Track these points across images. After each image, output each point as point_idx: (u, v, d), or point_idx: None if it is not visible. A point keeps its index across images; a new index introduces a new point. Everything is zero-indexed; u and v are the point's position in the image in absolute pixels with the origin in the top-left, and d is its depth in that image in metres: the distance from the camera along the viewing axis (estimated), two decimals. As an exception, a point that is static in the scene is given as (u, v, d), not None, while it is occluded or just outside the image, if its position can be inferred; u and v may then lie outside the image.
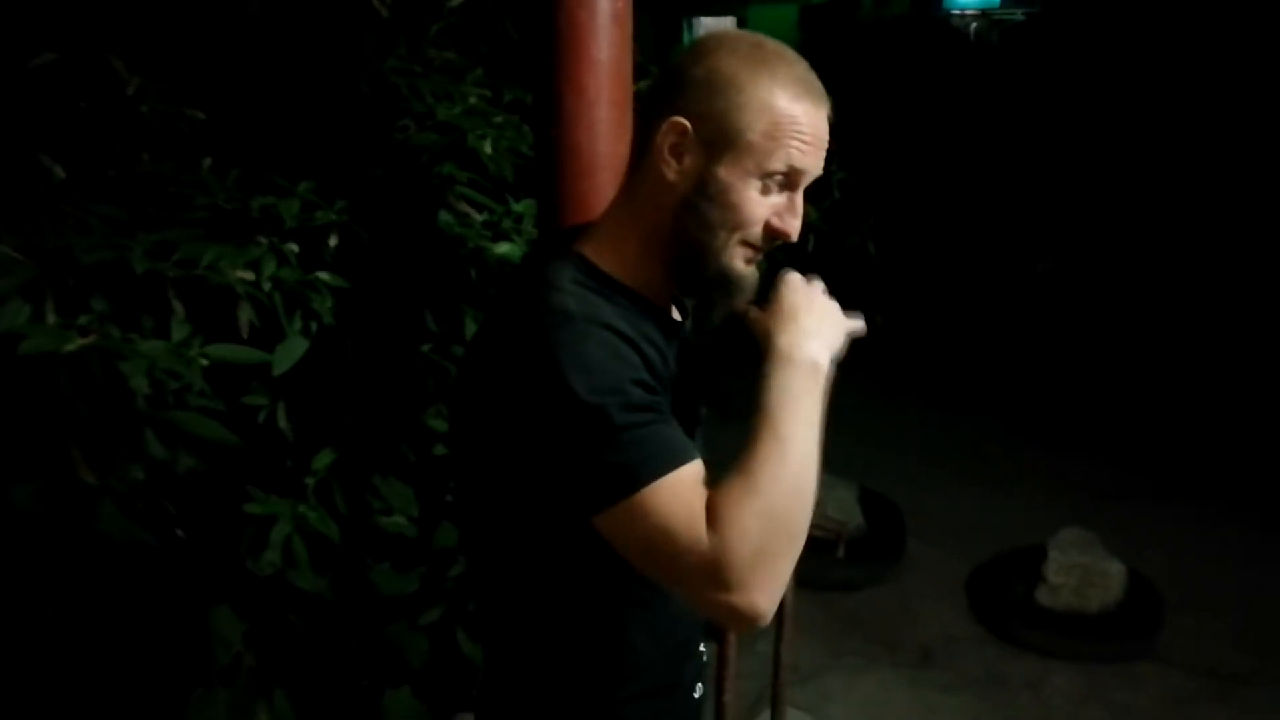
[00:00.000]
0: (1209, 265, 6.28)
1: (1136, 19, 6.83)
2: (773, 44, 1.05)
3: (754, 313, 1.10)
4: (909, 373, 5.89)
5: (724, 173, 1.02)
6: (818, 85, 1.05)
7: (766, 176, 1.03)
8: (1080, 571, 3.40)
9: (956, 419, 5.29)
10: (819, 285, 1.14)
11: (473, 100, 1.96)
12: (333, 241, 1.71)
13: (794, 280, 1.12)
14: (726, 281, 1.07)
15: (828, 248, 2.76)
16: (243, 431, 1.64)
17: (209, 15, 1.90)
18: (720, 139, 1.01)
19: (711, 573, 0.91)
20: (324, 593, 1.80)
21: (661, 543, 0.93)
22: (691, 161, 1.03)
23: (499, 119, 1.96)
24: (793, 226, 1.06)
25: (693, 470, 0.96)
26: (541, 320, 0.97)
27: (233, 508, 1.66)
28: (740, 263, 1.07)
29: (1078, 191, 6.96)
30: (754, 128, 1.01)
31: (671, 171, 1.03)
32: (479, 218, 1.87)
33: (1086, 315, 6.35)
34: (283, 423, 1.72)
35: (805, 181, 1.06)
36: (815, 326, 1.07)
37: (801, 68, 1.05)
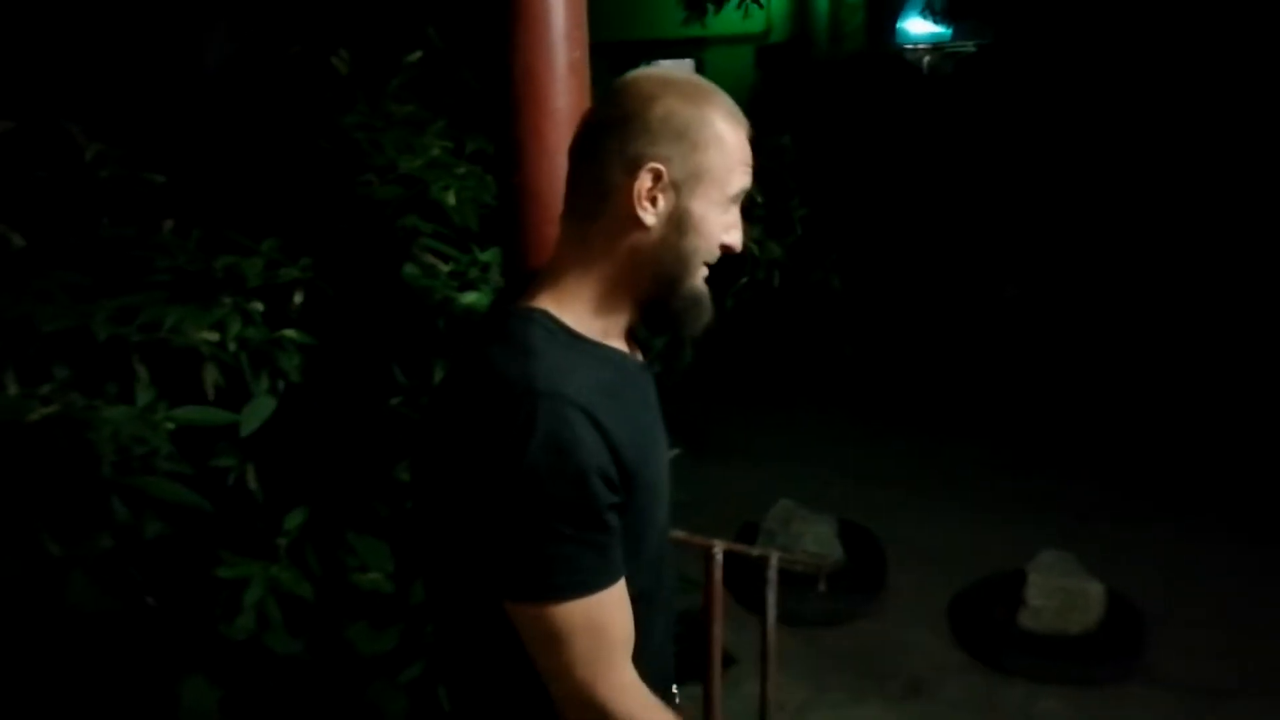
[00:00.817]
0: (1175, 283, 6.39)
1: (1087, 45, 7.01)
2: (701, 80, 1.12)
3: None
4: (881, 403, 5.93)
5: (697, 207, 1.08)
6: (740, 111, 1.13)
7: (728, 199, 1.11)
8: (1061, 594, 3.41)
9: (931, 446, 5.32)
10: None
11: (435, 152, 1.97)
12: (298, 298, 1.70)
13: None
14: (698, 303, 1.14)
15: (792, 283, 2.79)
16: (212, 494, 1.62)
17: (165, 78, 1.90)
18: (690, 177, 1.06)
19: (597, 689, 1.03)
20: (300, 654, 1.77)
21: (557, 652, 1.02)
22: (665, 202, 1.07)
23: (461, 170, 1.97)
24: (739, 240, 1.14)
25: (615, 591, 1.03)
26: (506, 398, 1.00)
27: (204, 572, 1.64)
28: (701, 281, 1.13)
29: (1040, 216, 7.08)
30: (715, 161, 1.08)
31: (649, 215, 1.07)
32: (445, 268, 1.87)
33: (1055, 338, 6.43)
34: (252, 483, 1.69)
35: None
36: None
37: (728, 98, 1.12)
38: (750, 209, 2.67)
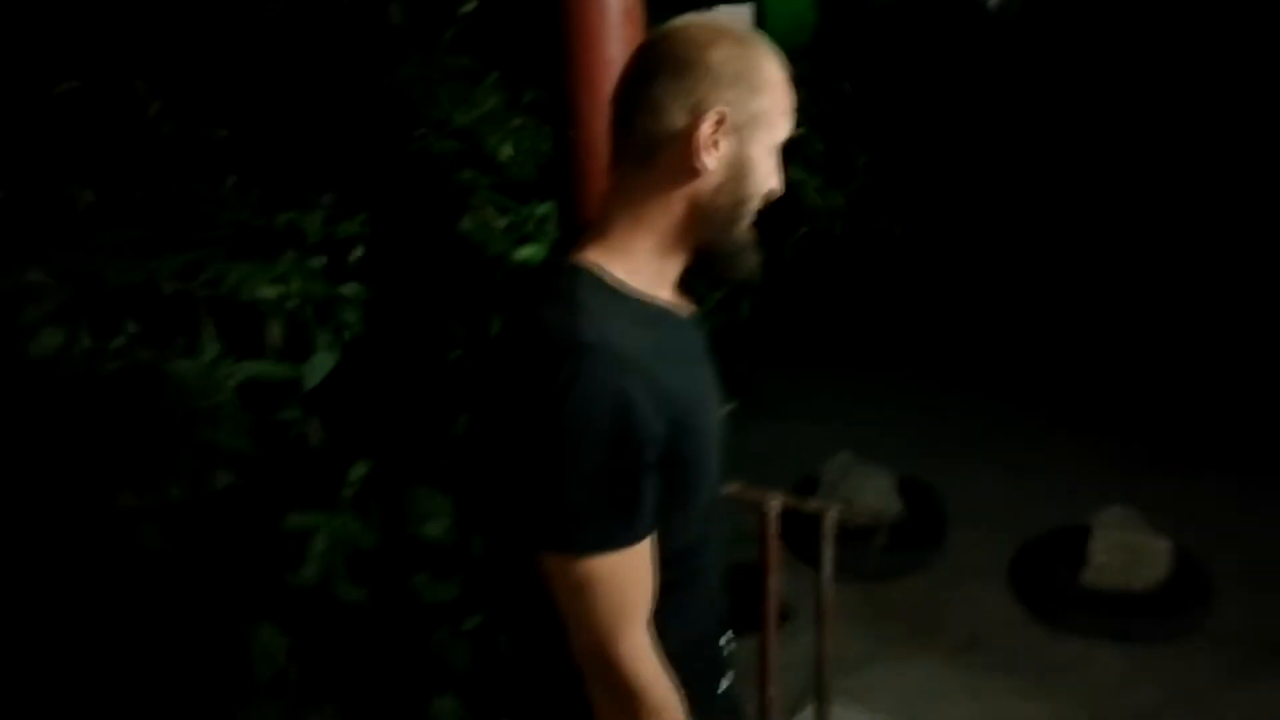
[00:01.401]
0: (1240, 234, 6.16)
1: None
2: (741, 28, 1.12)
3: None
4: (944, 357, 5.83)
5: (755, 151, 1.08)
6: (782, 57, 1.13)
7: (775, 146, 1.11)
8: (1125, 550, 3.34)
9: (994, 401, 5.23)
10: None
11: (490, 104, 1.96)
12: (357, 253, 1.72)
13: None
14: (747, 248, 1.15)
15: (855, 232, 2.74)
16: (276, 446, 1.66)
17: (225, 31, 1.91)
18: (750, 121, 1.06)
19: (616, 643, 1.04)
20: (365, 603, 1.81)
21: (580, 602, 1.03)
22: (726, 147, 1.06)
23: (517, 122, 1.96)
24: (780, 186, 1.15)
25: (640, 550, 1.04)
26: (549, 354, 1.00)
27: (271, 523, 1.68)
28: (748, 229, 1.14)
29: (1110, 164, 6.85)
30: (770, 105, 1.08)
31: (711, 159, 1.06)
32: (501, 221, 1.87)
33: (1124, 292, 6.25)
34: (315, 436, 1.72)
35: None
36: None
37: (770, 44, 1.12)
38: (812, 157, 2.62)
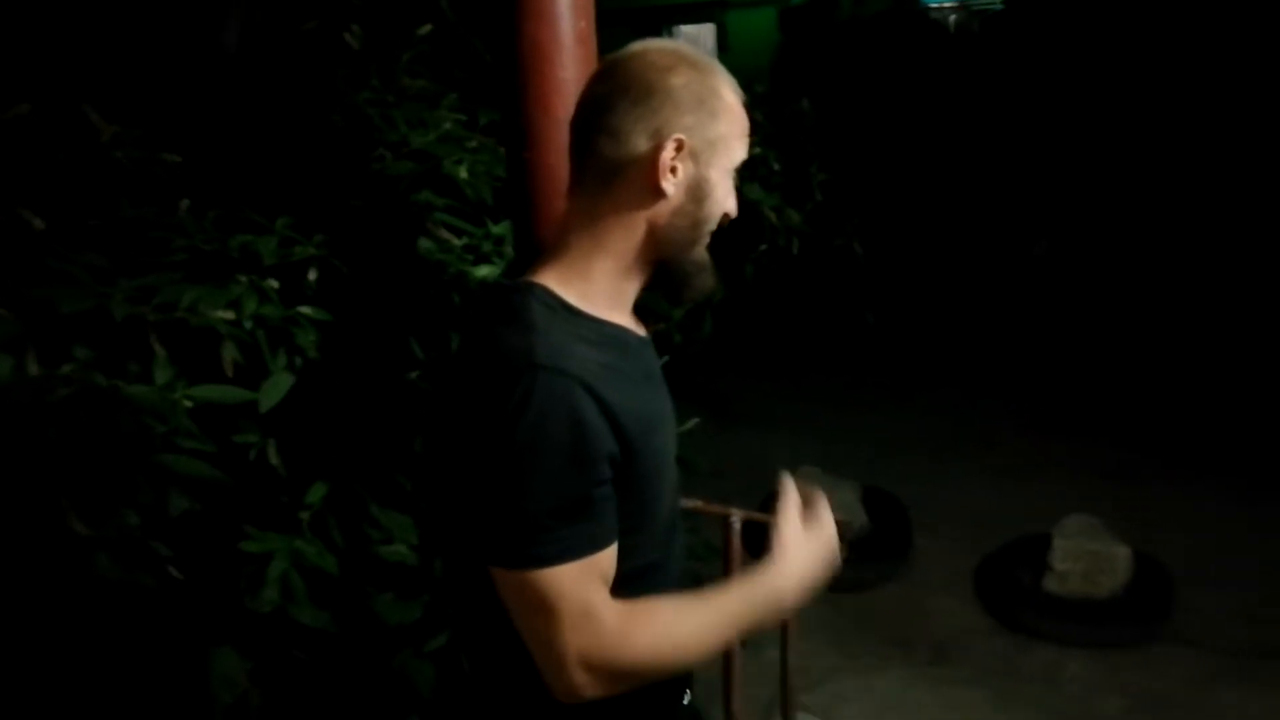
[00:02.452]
0: (1207, 241, 6.27)
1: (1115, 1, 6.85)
2: (698, 51, 1.13)
3: (786, 524, 1.21)
4: (904, 369, 5.89)
5: (713, 174, 1.10)
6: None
7: (731, 170, 1.14)
8: (1087, 557, 3.39)
9: (954, 411, 5.28)
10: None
11: (447, 126, 1.97)
12: (312, 275, 1.72)
13: (830, 532, 1.27)
14: (704, 269, 1.17)
15: (812, 249, 2.77)
16: (234, 470, 1.65)
17: (180, 57, 1.91)
18: (709, 146, 1.09)
19: (582, 660, 1.02)
20: (327, 626, 1.80)
21: (542, 619, 1.02)
22: (685, 172, 1.09)
23: (474, 143, 1.97)
24: (735, 207, 1.17)
25: (602, 559, 1.04)
26: (505, 371, 1.01)
27: (229, 547, 1.66)
28: (704, 252, 1.16)
29: (1069, 173, 6.96)
30: (728, 130, 1.11)
31: (670, 185, 1.08)
32: (459, 242, 1.87)
33: (1085, 297, 6.34)
34: (274, 459, 1.71)
35: None
36: (813, 582, 1.21)
37: (725, 70, 1.14)
38: (768, 175, 2.65)
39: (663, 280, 1.16)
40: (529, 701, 1.15)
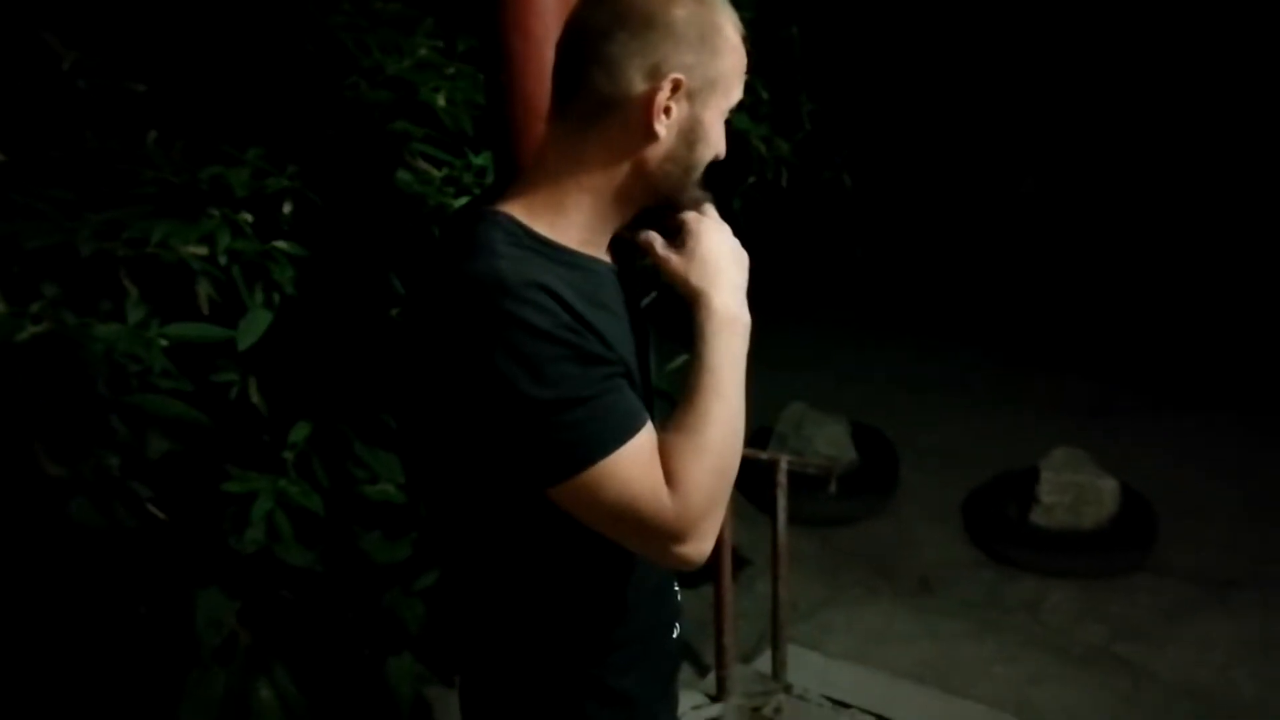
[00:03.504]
0: (1195, 177, 6.24)
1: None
2: None
3: (672, 261, 1.09)
4: (892, 305, 5.87)
5: (707, 116, 1.04)
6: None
7: (725, 110, 1.06)
8: (1074, 490, 3.42)
9: (945, 346, 5.29)
10: (723, 224, 1.15)
11: (423, 52, 1.89)
12: (287, 209, 1.66)
13: (713, 226, 1.12)
14: (697, 204, 1.11)
15: (801, 181, 2.72)
16: (215, 410, 1.61)
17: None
18: (706, 87, 1.02)
19: (675, 531, 0.97)
20: (314, 566, 1.78)
21: (625, 511, 0.97)
22: (678, 113, 1.02)
23: (451, 70, 1.90)
24: (724, 149, 1.10)
25: (647, 435, 0.99)
26: (475, 294, 0.94)
27: (211, 488, 1.63)
28: (695, 195, 1.10)
29: (1058, 108, 6.88)
30: (728, 70, 1.03)
31: (663, 128, 1.01)
32: (438, 174, 1.82)
33: (1073, 233, 6.31)
34: (255, 398, 1.68)
35: None
36: (740, 279, 1.10)
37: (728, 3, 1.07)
38: (756, 105, 2.58)
39: (650, 222, 1.10)
40: (520, 637, 1.14)
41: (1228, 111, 6.25)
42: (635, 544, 1.01)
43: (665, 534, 0.97)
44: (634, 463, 0.96)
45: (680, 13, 1.00)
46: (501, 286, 0.94)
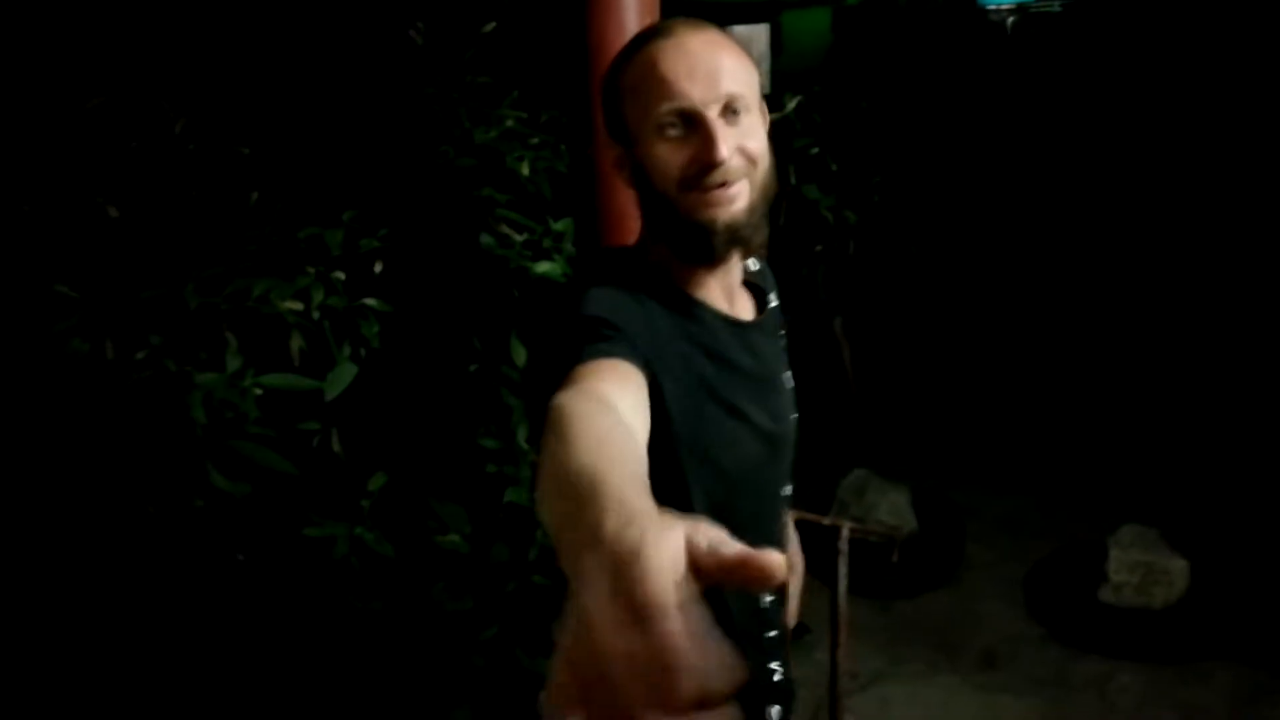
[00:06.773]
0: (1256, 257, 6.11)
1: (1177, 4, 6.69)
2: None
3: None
4: (958, 373, 5.81)
5: (639, 152, 1.05)
6: (677, 24, 1.06)
7: (659, 129, 1.03)
8: (1143, 569, 3.33)
9: (1006, 417, 5.21)
10: None
11: (509, 123, 1.99)
12: (378, 268, 1.74)
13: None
14: (704, 230, 1.05)
15: (870, 251, 2.75)
16: (297, 457, 1.68)
17: (251, 51, 1.94)
18: (620, 131, 1.07)
19: None
20: (380, 609, 1.83)
21: None
22: (627, 166, 1.08)
23: (535, 140, 1.99)
24: (712, 153, 1.01)
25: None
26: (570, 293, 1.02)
27: (292, 532, 1.70)
28: (703, 210, 1.04)
29: (1125, 186, 6.82)
30: (643, 96, 1.03)
31: (626, 181, 1.09)
32: (519, 238, 1.89)
33: (1140, 307, 6.21)
34: (336, 447, 1.75)
35: (712, 108, 1.02)
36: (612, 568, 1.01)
37: (663, 25, 1.08)
38: (826, 175, 2.64)
39: (685, 250, 1.07)
40: None
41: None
42: None
43: None
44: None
45: (626, 81, 1.06)
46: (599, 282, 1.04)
